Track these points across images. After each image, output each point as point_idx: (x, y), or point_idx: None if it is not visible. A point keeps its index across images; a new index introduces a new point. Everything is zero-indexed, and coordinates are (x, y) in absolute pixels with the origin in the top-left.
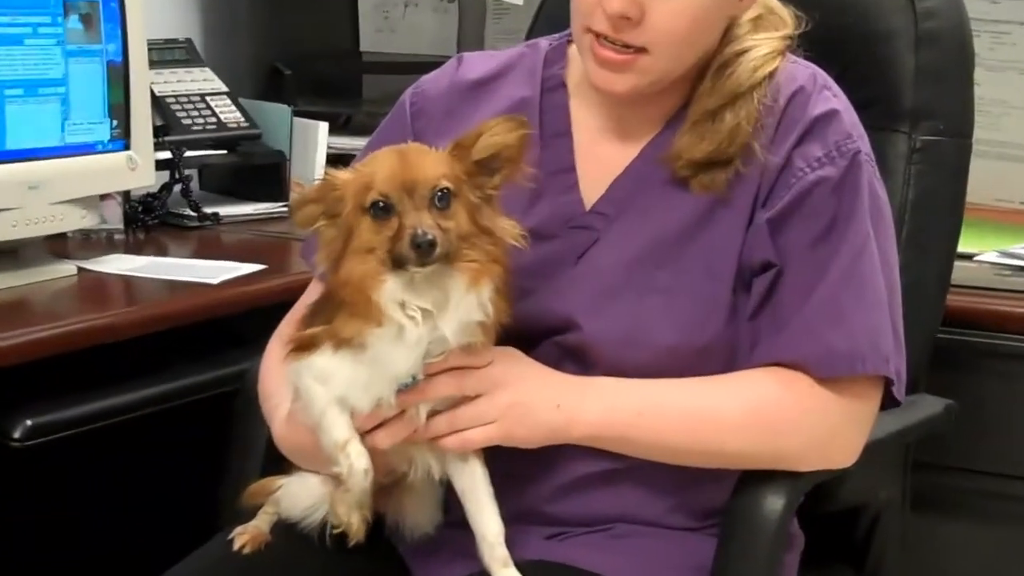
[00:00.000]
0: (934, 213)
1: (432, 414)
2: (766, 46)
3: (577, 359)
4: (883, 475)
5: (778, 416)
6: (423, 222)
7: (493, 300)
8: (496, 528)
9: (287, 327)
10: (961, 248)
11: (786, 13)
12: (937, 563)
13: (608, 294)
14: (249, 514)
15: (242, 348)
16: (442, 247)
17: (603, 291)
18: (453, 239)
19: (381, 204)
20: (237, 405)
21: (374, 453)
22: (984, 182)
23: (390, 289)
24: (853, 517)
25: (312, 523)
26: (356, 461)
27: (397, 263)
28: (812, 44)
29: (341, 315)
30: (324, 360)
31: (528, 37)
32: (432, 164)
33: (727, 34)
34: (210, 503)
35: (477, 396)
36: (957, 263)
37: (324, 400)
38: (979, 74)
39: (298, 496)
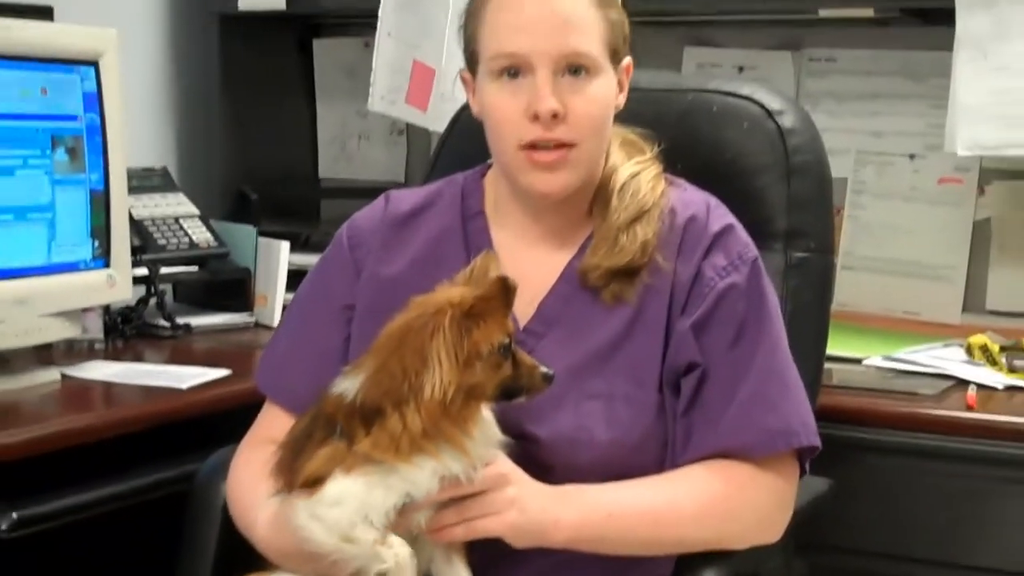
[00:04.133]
0: (808, 322)
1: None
2: (651, 169)
3: (532, 461)
4: (768, 551)
5: (726, 505)
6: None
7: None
8: None
9: (255, 452)
10: (850, 353)
11: (637, 137)
12: None
13: (552, 403)
14: None
15: (207, 448)
16: None
17: (547, 400)
18: None
19: (506, 344)
20: (188, 506)
21: None
22: (871, 294)
23: (485, 421)
24: None
25: None
26: (400, 549)
27: (507, 395)
28: (697, 176)
29: (379, 438)
30: (338, 485)
31: (432, 169)
32: None
33: (608, 160)
34: None
35: (483, 491)
36: (847, 366)
37: (345, 519)
38: (866, 199)
39: None
